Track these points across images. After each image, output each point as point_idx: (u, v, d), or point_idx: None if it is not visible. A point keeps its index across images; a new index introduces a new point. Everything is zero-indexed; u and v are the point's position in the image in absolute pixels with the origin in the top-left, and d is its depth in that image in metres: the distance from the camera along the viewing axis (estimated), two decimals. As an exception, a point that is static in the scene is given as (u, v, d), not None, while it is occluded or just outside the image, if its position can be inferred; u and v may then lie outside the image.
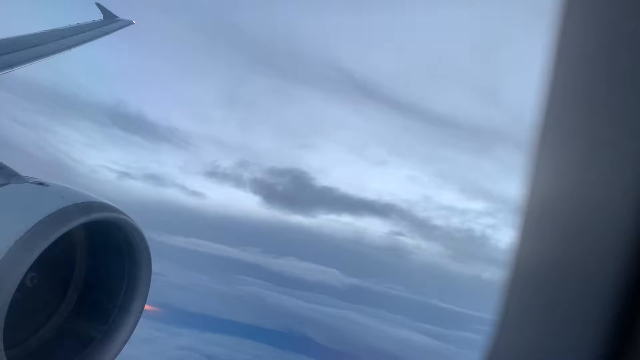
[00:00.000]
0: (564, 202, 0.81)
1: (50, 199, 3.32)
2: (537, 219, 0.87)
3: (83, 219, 3.30)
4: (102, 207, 3.47)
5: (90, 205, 3.39)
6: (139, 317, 3.92)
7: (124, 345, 3.86)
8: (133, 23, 13.26)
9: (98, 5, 12.90)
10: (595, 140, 0.75)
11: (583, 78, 0.81)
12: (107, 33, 11.84)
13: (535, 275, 0.85)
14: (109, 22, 12.54)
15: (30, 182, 3.49)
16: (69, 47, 9.73)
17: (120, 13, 13.12)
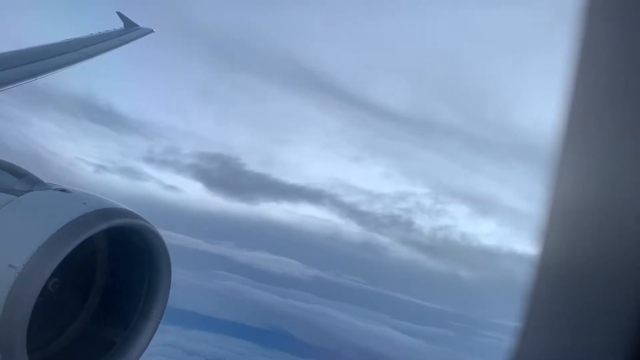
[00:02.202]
0: (588, 205, 0.79)
1: (73, 205, 3.37)
2: (560, 222, 0.86)
3: (104, 225, 3.35)
4: (123, 213, 3.51)
5: (112, 212, 3.44)
6: (159, 322, 3.95)
7: (144, 350, 3.89)
8: (153, 31, 13.45)
9: (119, 14, 13.12)
10: (618, 142, 0.74)
11: (606, 80, 0.79)
12: (127, 41, 12.02)
13: (559, 279, 0.84)
14: (130, 31, 12.74)
15: (53, 189, 3.54)
16: (90, 55, 9.90)
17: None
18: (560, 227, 0.86)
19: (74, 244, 3.19)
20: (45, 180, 3.65)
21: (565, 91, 0.85)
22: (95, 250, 3.90)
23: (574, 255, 0.81)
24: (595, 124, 0.80)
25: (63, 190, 3.54)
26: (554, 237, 0.87)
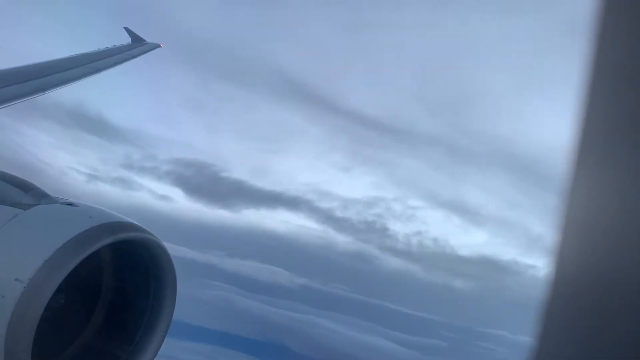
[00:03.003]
0: (604, 214, 0.78)
1: (79, 219, 3.39)
2: (576, 233, 0.85)
3: (110, 239, 3.35)
4: (129, 227, 3.51)
5: (117, 225, 3.44)
6: (164, 336, 3.93)
7: None
8: (160, 46, 13.59)
9: (126, 29, 13.28)
10: (636, 151, 0.73)
11: (622, 84, 0.79)
12: (135, 56, 12.15)
13: (575, 290, 0.83)
14: (137, 46, 12.88)
15: (60, 203, 3.56)
16: (98, 70, 10.00)
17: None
18: (576, 238, 0.85)
19: (80, 257, 3.19)
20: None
21: (579, 100, 0.85)
22: (101, 263, 3.91)
23: (591, 266, 0.79)
24: (612, 132, 0.79)
25: (70, 204, 3.56)
26: (569, 247, 0.86)
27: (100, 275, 3.94)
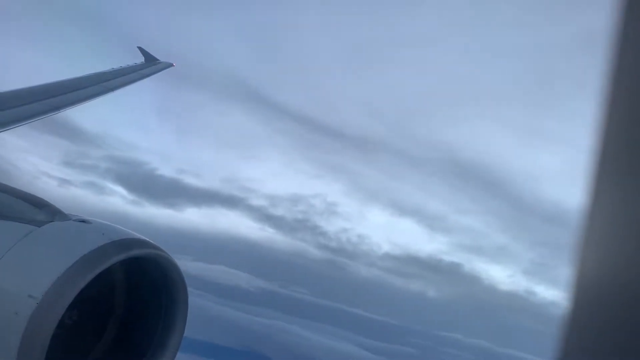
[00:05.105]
0: (625, 224, 0.77)
1: (92, 236, 3.41)
2: (597, 244, 0.83)
3: (122, 256, 3.37)
4: (141, 243, 3.53)
5: (130, 242, 3.46)
6: (176, 352, 3.92)
7: None
8: (173, 65, 13.78)
9: (140, 48, 13.49)
10: None
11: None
12: (148, 75, 12.32)
13: (597, 304, 0.81)
14: (150, 65, 13.06)
15: (73, 220, 3.59)
16: (112, 89, 10.15)
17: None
18: (598, 249, 0.83)
19: (93, 274, 3.21)
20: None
21: (598, 110, 0.84)
22: (113, 280, 3.92)
23: (614, 277, 0.78)
24: (633, 138, 0.78)
25: (83, 221, 3.59)
26: (591, 259, 0.84)
27: (112, 292, 3.96)
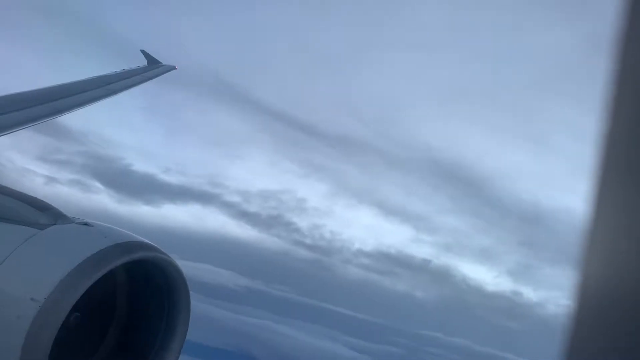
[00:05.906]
0: (631, 227, 0.76)
1: (94, 239, 3.41)
2: (602, 248, 0.82)
3: (125, 259, 3.37)
4: (144, 246, 3.53)
5: (132, 245, 3.47)
6: (178, 356, 3.92)
7: None
8: (175, 68, 13.80)
9: (142, 52, 13.52)
10: None
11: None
12: (151, 78, 12.34)
13: (602, 306, 0.80)
14: (153, 68, 13.09)
15: (76, 223, 3.60)
16: (115, 92, 10.17)
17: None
18: (602, 252, 0.82)
19: (95, 277, 3.21)
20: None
21: (602, 116, 0.83)
22: (116, 283, 3.92)
23: (618, 280, 0.77)
24: (636, 144, 0.77)
25: (85, 223, 3.59)
26: (595, 261, 0.83)
27: (114, 295, 3.95)
